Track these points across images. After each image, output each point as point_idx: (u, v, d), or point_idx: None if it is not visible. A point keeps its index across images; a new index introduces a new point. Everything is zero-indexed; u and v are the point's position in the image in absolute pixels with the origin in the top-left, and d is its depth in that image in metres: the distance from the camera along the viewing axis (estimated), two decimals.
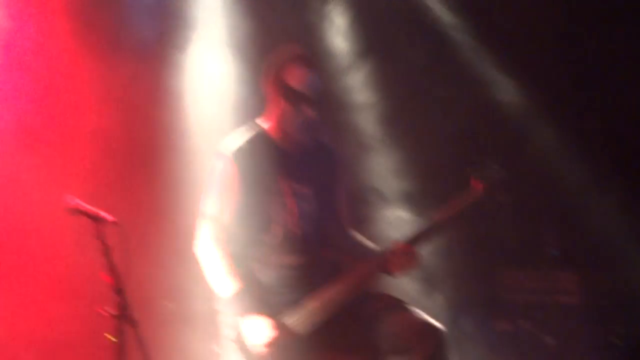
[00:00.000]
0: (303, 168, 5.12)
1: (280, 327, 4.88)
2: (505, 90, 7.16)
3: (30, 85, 6.59)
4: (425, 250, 5.02)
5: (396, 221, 6.75)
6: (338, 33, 7.36)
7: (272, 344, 4.85)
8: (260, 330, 4.86)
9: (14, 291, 6.15)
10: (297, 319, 4.96)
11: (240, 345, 4.91)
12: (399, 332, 4.92)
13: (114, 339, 4.51)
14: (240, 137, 5.12)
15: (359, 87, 7.27)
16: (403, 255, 4.99)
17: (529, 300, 6.72)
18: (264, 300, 4.93)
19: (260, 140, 5.10)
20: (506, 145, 6.66)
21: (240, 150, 5.06)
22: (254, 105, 5.43)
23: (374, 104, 7.27)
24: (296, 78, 5.05)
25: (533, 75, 7.07)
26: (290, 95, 5.06)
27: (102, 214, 4.53)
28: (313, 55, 5.16)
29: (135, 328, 4.45)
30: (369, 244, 5.22)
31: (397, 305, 5.05)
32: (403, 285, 6.37)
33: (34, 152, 6.41)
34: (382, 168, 7.17)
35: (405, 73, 7.29)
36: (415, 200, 6.75)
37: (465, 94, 7.21)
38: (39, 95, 6.60)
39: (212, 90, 7.11)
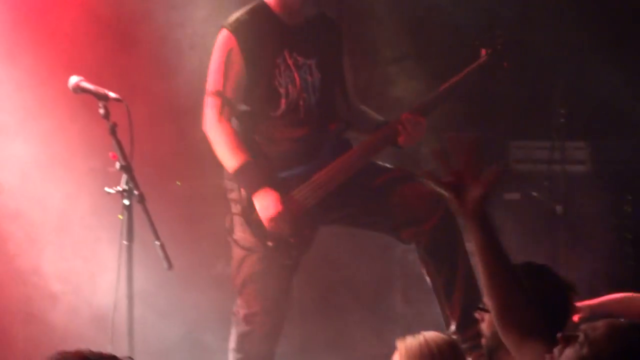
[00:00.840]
0: (305, 39, 5.09)
1: (288, 200, 4.90)
2: None
3: None
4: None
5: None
6: None
7: (279, 218, 4.88)
8: (267, 204, 4.88)
9: None
10: (305, 192, 4.98)
11: (247, 218, 4.95)
12: (407, 203, 4.97)
13: (120, 217, 4.56)
14: (241, 11, 5.07)
15: None
16: (411, 125, 4.99)
17: (537, 170, 6.73)
18: (270, 175, 4.94)
19: (260, 12, 5.06)
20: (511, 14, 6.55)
21: (238, 21, 5.03)
22: None
23: None
24: None
25: None
26: None
27: (106, 91, 4.53)
28: None
29: (143, 204, 4.48)
30: (377, 116, 5.21)
31: (404, 176, 5.08)
32: None
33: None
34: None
35: None
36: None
37: None
38: None
39: None
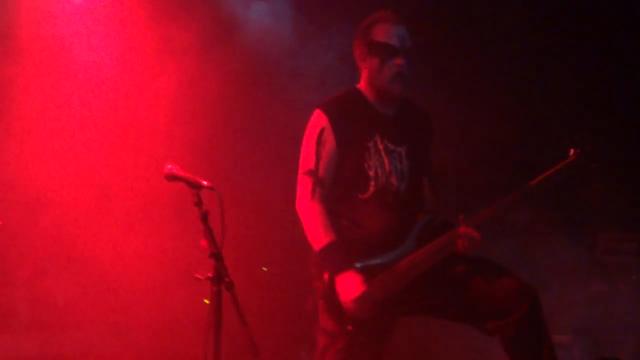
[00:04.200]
0: (396, 127, 5.14)
1: (369, 285, 4.89)
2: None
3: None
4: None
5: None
6: None
7: (359, 300, 4.87)
8: (349, 286, 4.87)
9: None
10: (387, 279, 4.96)
11: (329, 302, 4.94)
12: (492, 295, 4.91)
13: (207, 301, 4.56)
14: (335, 94, 5.17)
15: None
16: (467, 239, 4.98)
17: (626, 262, 6.63)
18: (354, 259, 4.95)
19: (354, 96, 5.15)
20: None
21: (331, 102, 5.11)
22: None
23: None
24: (381, 33, 5.10)
25: None
26: (376, 49, 5.11)
27: (199, 179, 4.57)
28: (401, 13, 5.16)
29: (232, 291, 4.48)
30: (444, 215, 5.20)
31: (487, 266, 5.04)
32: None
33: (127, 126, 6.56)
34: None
35: None
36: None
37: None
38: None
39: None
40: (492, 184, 6.53)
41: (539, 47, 7.07)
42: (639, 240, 6.54)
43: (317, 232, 4.96)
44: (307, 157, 5.04)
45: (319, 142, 5.02)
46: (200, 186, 4.51)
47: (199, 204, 4.49)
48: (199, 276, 4.51)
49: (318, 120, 5.06)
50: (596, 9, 7.05)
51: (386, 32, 5.10)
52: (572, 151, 5.03)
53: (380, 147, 5.07)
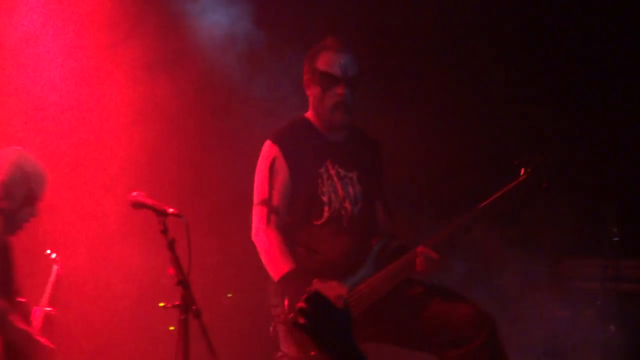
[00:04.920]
0: (346, 153, 5.21)
1: None
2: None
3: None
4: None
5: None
6: None
7: None
8: None
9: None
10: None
11: (289, 325, 4.93)
12: (450, 323, 4.91)
13: (172, 328, 4.53)
14: (283, 124, 5.22)
15: None
16: (425, 259, 4.99)
17: (590, 288, 6.66)
18: (310, 285, 4.94)
19: (303, 125, 5.22)
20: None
21: (280, 133, 5.17)
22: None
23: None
24: (324, 61, 5.15)
25: None
26: (318, 77, 5.15)
27: (165, 206, 4.55)
28: (348, 41, 5.18)
29: (199, 319, 4.46)
30: (400, 240, 5.21)
31: (444, 293, 5.04)
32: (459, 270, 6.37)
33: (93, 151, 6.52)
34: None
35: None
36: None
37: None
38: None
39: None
40: (448, 204, 6.54)
41: (494, 65, 7.11)
42: (603, 265, 6.56)
43: (274, 261, 4.98)
44: (260, 187, 5.08)
45: (272, 171, 5.06)
46: (166, 213, 4.50)
47: (165, 231, 4.47)
48: (165, 304, 4.49)
49: (269, 150, 5.11)
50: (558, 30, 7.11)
51: (328, 61, 5.14)
52: (522, 171, 5.08)
53: (332, 172, 5.12)
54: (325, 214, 5.09)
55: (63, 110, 6.73)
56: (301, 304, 2.95)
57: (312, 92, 5.19)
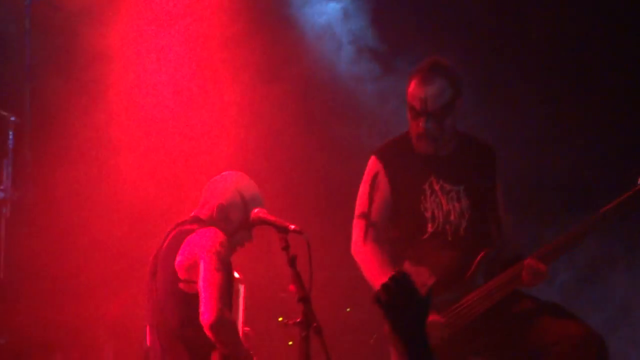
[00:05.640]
0: (452, 166, 5.20)
1: (433, 324, 4.88)
2: None
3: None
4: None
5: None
6: None
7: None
8: None
9: None
10: (452, 316, 4.95)
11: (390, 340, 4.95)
12: (559, 342, 4.83)
13: (290, 343, 4.56)
14: (388, 139, 5.28)
15: None
16: (532, 273, 4.93)
17: None
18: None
19: (407, 141, 5.21)
20: None
21: (384, 148, 5.23)
22: None
23: None
24: (410, 92, 5.16)
25: None
26: (407, 108, 5.13)
27: (286, 223, 4.57)
28: (440, 66, 5.12)
29: (320, 335, 4.47)
30: (515, 249, 5.14)
31: (555, 311, 4.97)
32: None
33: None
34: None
35: None
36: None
37: None
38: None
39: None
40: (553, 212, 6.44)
41: None
42: None
43: (373, 273, 5.04)
44: (361, 201, 5.17)
45: (372, 186, 5.13)
46: (288, 230, 4.52)
47: (286, 248, 4.48)
48: (287, 321, 4.51)
49: (372, 165, 5.19)
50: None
51: (412, 92, 5.13)
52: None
53: (436, 187, 5.13)
54: (429, 229, 5.11)
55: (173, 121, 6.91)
56: (387, 281, 2.99)
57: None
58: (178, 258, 5.00)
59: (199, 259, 4.90)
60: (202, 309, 4.81)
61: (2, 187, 6.69)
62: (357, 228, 5.13)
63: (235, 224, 5.16)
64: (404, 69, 6.21)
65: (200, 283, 4.84)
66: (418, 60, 5.28)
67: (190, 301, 4.92)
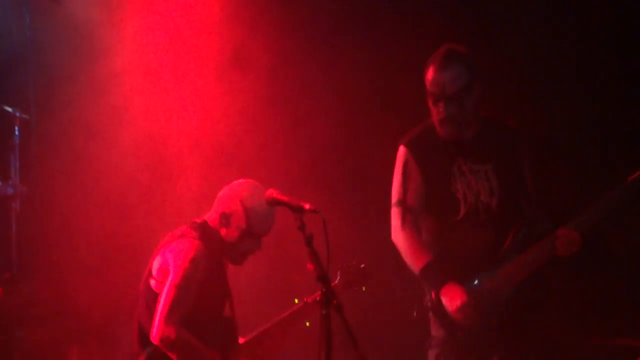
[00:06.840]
0: (478, 147, 5.28)
1: (472, 292, 4.95)
2: None
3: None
4: None
5: None
6: None
7: (464, 308, 5.02)
8: (452, 296, 5.03)
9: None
10: (487, 289, 5.08)
11: (436, 312, 5.11)
12: None
13: (307, 324, 4.57)
14: (415, 128, 5.37)
15: None
16: (565, 240, 5.06)
17: None
18: (454, 272, 5.09)
19: (431, 127, 5.31)
20: None
21: (410, 137, 5.34)
22: None
23: None
24: (428, 78, 5.25)
25: None
26: (426, 92, 5.24)
27: (301, 202, 4.56)
28: (454, 52, 5.19)
29: (341, 312, 4.46)
30: (546, 223, 5.20)
31: None
32: None
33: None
34: None
35: None
36: None
37: None
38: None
39: None
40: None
41: None
42: None
43: (413, 256, 5.17)
44: (396, 190, 5.31)
45: (405, 174, 5.27)
46: (303, 210, 4.50)
47: (302, 227, 4.47)
48: (307, 300, 4.52)
49: (402, 155, 5.32)
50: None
51: (430, 78, 5.22)
52: None
53: (465, 169, 5.24)
54: (462, 210, 5.22)
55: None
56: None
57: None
58: (157, 258, 5.29)
59: (169, 268, 5.19)
60: (153, 323, 5.09)
61: (11, 183, 6.70)
62: (395, 215, 5.26)
63: (238, 232, 5.38)
64: None
65: (162, 295, 5.13)
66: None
67: (155, 299, 5.19)
